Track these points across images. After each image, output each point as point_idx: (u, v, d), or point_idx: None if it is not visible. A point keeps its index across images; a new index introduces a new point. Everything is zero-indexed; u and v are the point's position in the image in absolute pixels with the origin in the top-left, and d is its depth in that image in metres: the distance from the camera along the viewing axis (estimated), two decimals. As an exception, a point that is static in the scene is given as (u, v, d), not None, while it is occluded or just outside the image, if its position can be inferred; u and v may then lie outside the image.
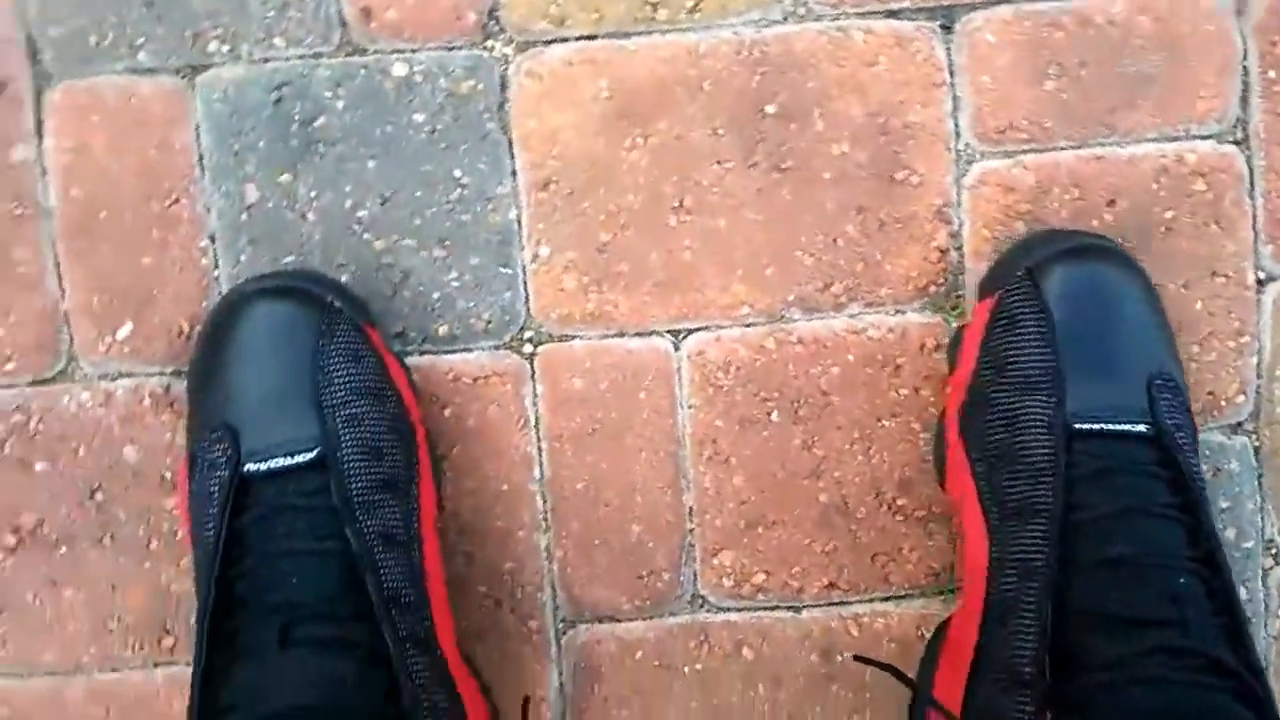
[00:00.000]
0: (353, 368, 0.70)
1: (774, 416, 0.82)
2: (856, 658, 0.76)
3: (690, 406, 0.81)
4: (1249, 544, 0.83)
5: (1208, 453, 0.82)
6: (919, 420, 0.81)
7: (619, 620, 0.83)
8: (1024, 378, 0.68)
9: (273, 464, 0.65)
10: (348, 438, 0.68)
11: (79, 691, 0.82)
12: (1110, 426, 0.65)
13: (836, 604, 0.83)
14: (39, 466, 0.80)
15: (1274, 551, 0.83)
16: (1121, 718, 0.57)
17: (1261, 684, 0.58)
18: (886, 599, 0.83)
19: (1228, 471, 0.82)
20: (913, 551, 0.82)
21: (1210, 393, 0.82)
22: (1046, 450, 0.65)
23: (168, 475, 0.81)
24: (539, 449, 0.82)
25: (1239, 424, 0.82)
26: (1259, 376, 0.82)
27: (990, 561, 0.71)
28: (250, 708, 0.60)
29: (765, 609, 0.83)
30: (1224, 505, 0.83)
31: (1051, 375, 0.67)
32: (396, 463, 0.72)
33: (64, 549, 0.81)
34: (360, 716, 0.62)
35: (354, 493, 0.68)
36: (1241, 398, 0.82)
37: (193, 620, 0.77)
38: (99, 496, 0.81)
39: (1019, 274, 0.70)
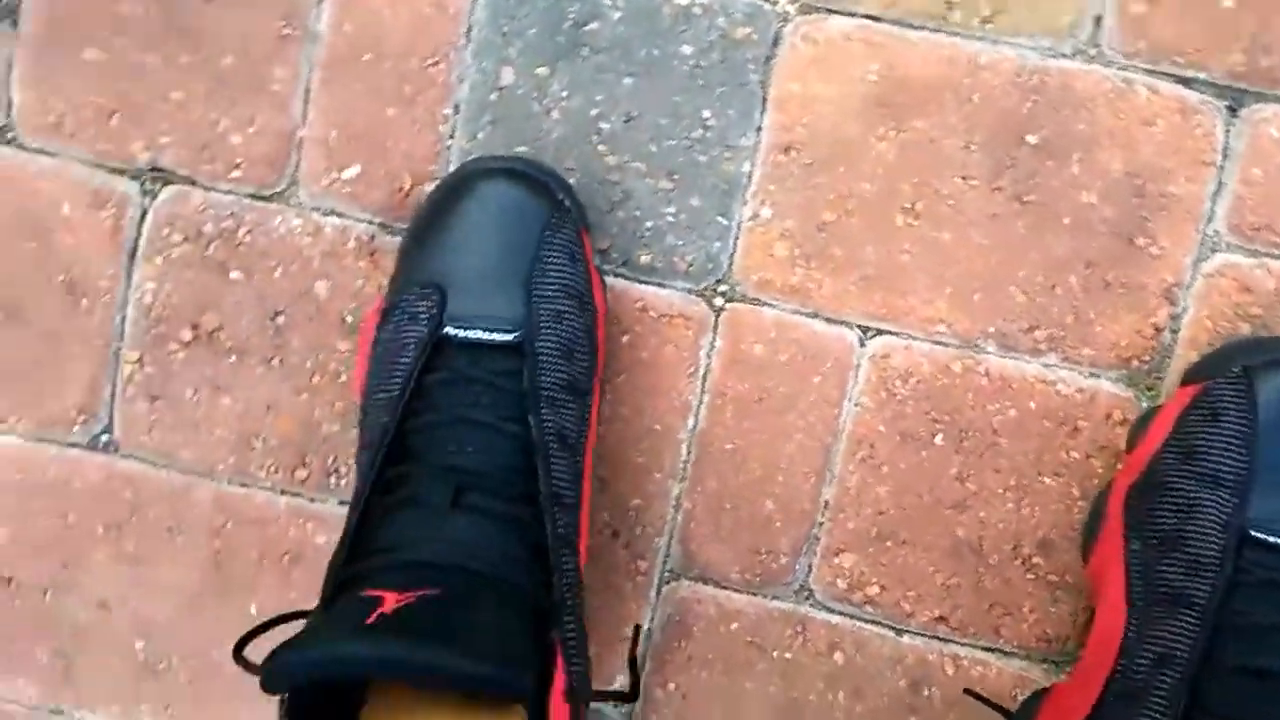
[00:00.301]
0: (567, 267, 0.68)
1: (938, 439, 0.78)
2: (968, 692, 0.73)
3: (858, 404, 0.78)
4: None
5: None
6: (1080, 488, 0.77)
7: (724, 587, 0.80)
8: (1211, 471, 0.64)
9: (472, 334, 0.65)
10: (548, 331, 0.66)
11: (205, 495, 0.82)
12: None
13: (940, 639, 0.79)
14: (234, 275, 0.80)
15: None
16: None
17: None
18: (991, 649, 0.79)
19: None
20: (1032, 612, 0.79)
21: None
22: (1215, 546, 0.62)
23: (349, 319, 0.80)
24: (700, 400, 0.79)
25: None
26: None
27: (1124, 641, 0.66)
28: (414, 551, 0.59)
29: (869, 621, 0.80)
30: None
31: (1241, 476, 0.63)
32: (582, 369, 0.70)
33: (233, 359, 0.81)
34: (523, 597, 0.59)
35: (543, 384, 0.65)
36: None
37: (337, 460, 0.77)
38: (280, 320, 0.80)
39: (1235, 370, 0.66)
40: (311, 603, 0.76)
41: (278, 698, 0.56)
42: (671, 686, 0.80)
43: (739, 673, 0.79)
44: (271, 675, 0.54)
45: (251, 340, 0.79)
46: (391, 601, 0.55)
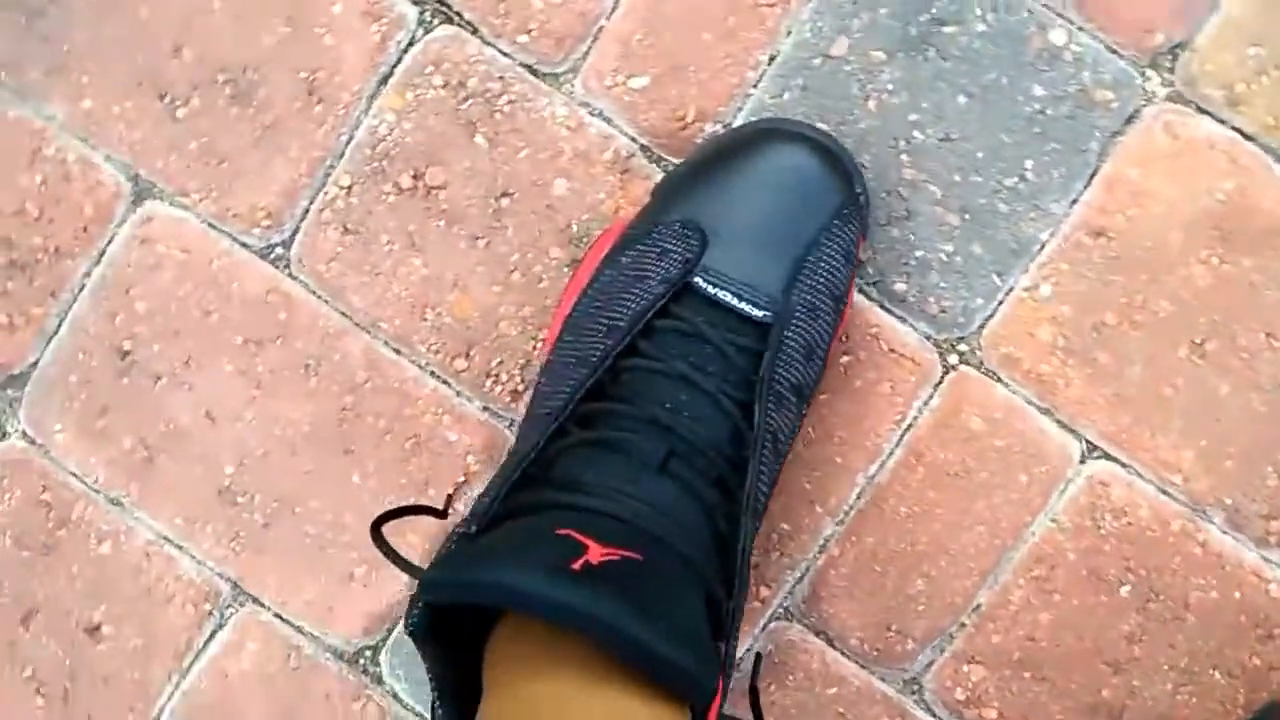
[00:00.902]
0: (840, 265, 0.58)
1: (1124, 590, 0.67)
2: None
3: (1055, 521, 0.67)
4: None
5: None
6: (1247, 696, 0.66)
7: (836, 647, 0.69)
8: None
9: (722, 295, 0.55)
10: (800, 325, 0.57)
11: (357, 348, 0.71)
12: None
13: None
14: (478, 140, 0.69)
15: None
16: None
17: None
18: None
19: None
20: None
21: None
22: None
23: (574, 229, 0.69)
24: (893, 450, 0.68)
25: None
26: None
27: None
28: (616, 503, 0.50)
29: None
30: None
31: None
32: (814, 375, 0.59)
33: (442, 222, 0.70)
34: (711, 594, 0.51)
35: (777, 377, 0.56)
36: None
37: (501, 366, 0.66)
38: (505, 202, 0.69)
39: None
40: (415, 497, 0.66)
41: (415, 600, 0.47)
42: None
43: None
44: (439, 586, 0.45)
45: (468, 211, 0.68)
46: (597, 553, 0.45)
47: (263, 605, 0.69)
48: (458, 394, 0.67)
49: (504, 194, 0.66)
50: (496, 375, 0.67)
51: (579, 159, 0.65)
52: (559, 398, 0.54)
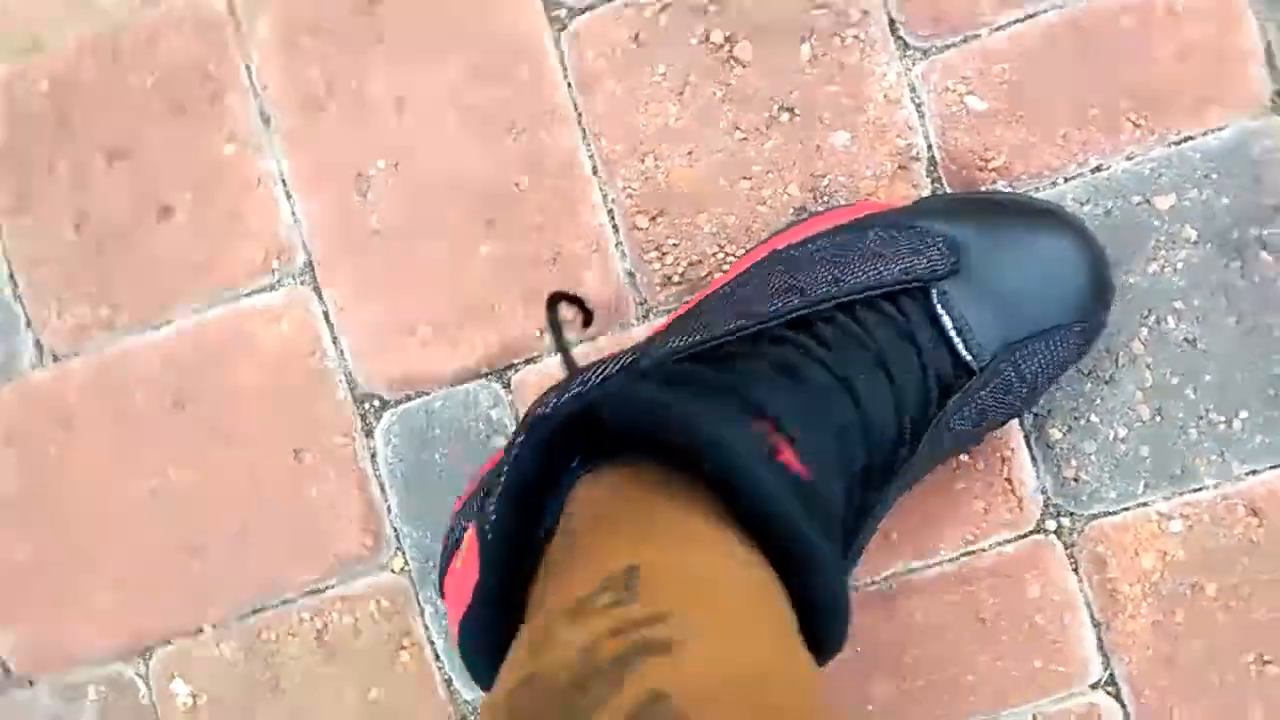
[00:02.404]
0: (1052, 366, 0.55)
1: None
2: None
3: (1034, 717, 0.61)
4: None
5: None
6: None
7: None
8: None
9: (945, 320, 0.52)
10: (994, 388, 0.53)
11: (567, 141, 0.63)
12: None
13: None
14: (804, 49, 0.62)
15: None
16: None
17: None
18: None
19: None
20: None
21: None
22: None
23: (825, 181, 0.62)
24: (942, 562, 0.62)
25: None
26: None
27: None
28: (785, 415, 0.46)
29: None
30: None
31: None
32: (967, 439, 0.56)
33: (720, 92, 0.63)
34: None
35: (950, 422, 0.51)
36: None
37: (673, 245, 0.59)
38: (785, 116, 0.63)
39: None
40: (519, 309, 0.62)
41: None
42: None
43: None
44: (635, 405, 0.41)
45: (750, 100, 0.63)
46: (792, 460, 0.43)
47: (320, 297, 0.62)
48: (618, 246, 0.59)
49: (789, 109, 0.59)
50: (665, 253, 0.60)
51: (873, 128, 0.58)
52: (763, 304, 0.50)
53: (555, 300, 0.48)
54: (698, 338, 0.48)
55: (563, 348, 0.47)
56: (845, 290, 0.50)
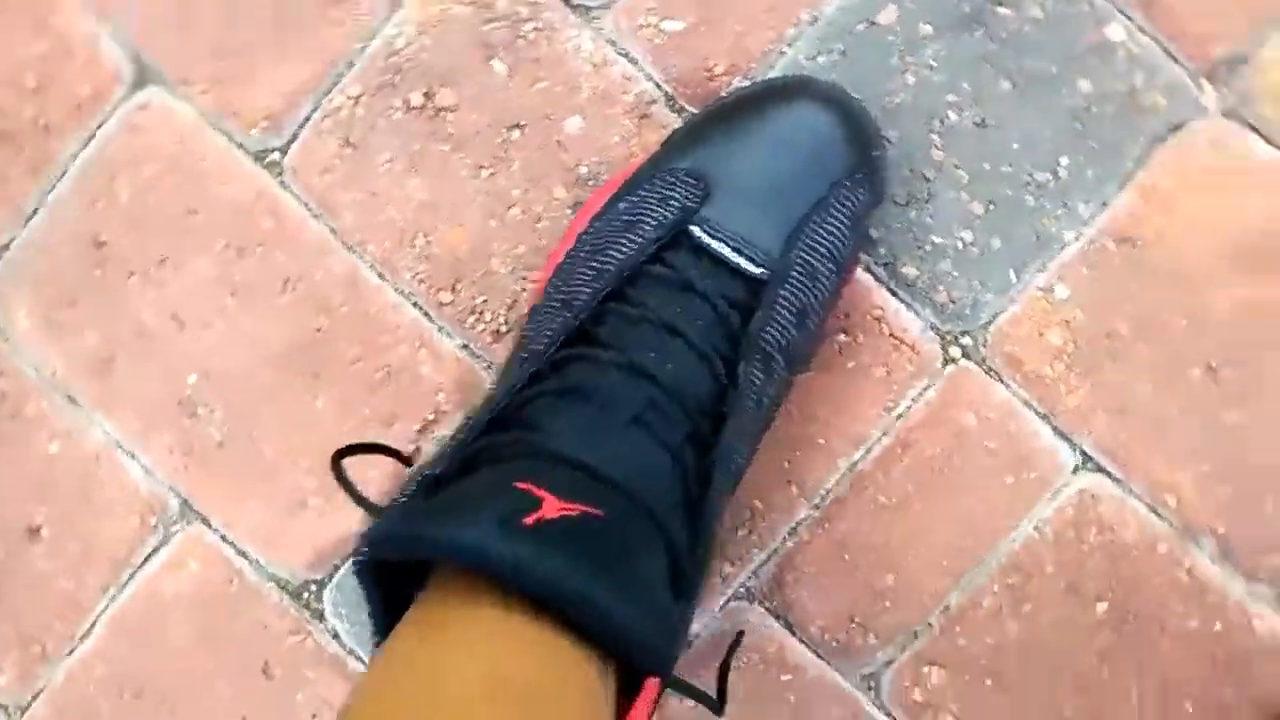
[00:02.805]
0: (845, 231, 0.51)
1: (1099, 608, 0.59)
2: None
3: (1037, 530, 0.59)
4: None
5: None
6: None
7: (796, 634, 0.61)
8: None
9: (717, 247, 0.49)
10: (796, 285, 0.50)
11: (339, 266, 0.62)
12: None
13: None
14: (496, 65, 0.60)
15: None
16: None
17: None
18: None
19: None
20: None
21: None
22: None
23: (583, 170, 0.60)
24: (879, 439, 0.60)
25: None
26: None
27: None
28: (583, 452, 0.43)
29: None
30: None
31: None
32: (806, 340, 0.52)
33: (446, 146, 0.61)
34: (674, 552, 0.43)
35: (767, 337, 0.49)
36: None
37: (486, 305, 0.58)
38: (514, 134, 0.60)
39: None
40: (380, 430, 0.58)
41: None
42: (690, 702, 0.60)
43: None
44: (385, 542, 0.39)
45: (475, 139, 0.59)
46: (554, 508, 0.38)
47: (209, 525, 0.60)
48: (439, 328, 0.58)
49: (515, 125, 0.57)
50: (480, 313, 0.58)
51: (598, 98, 0.56)
52: (541, 341, 0.47)
53: (339, 458, 0.46)
54: (483, 414, 0.45)
55: (360, 501, 0.45)
56: (608, 281, 0.48)
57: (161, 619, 0.62)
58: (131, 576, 0.62)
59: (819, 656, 0.59)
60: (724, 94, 0.55)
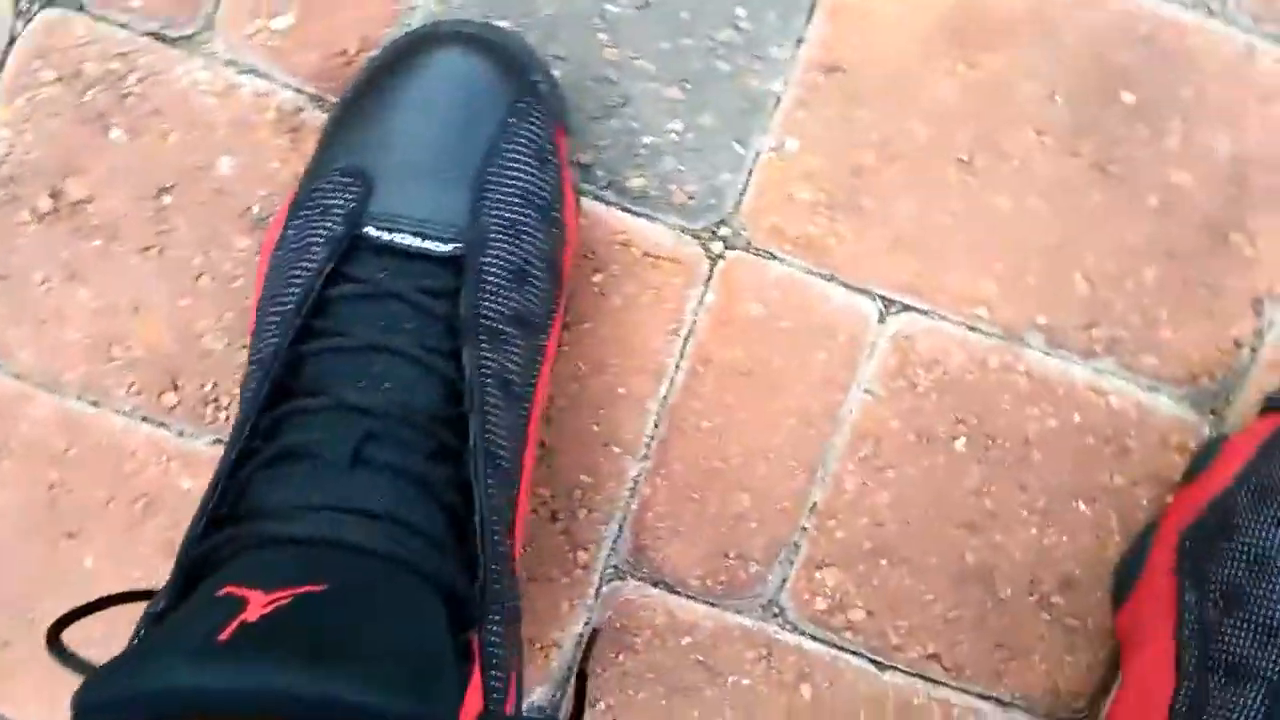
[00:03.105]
0: (533, 168, 0.46)
1: (958, 444, 0.54)
2: None
3: (868, 391, 0.54)
4: None
5: None
6: (1120, 519, 0.55)
7: (678, 593, 0.55)
8: None
9: (399, 238, 0.43)
10: (499, 244, 0.44)
11: (46, 411, 0.54)
12: None
13: (930, 679, 0.56)
14: (114, 134, 0.52)
15: None
16: None
17: None
18: (987, 697, 0.56)
19: None
20: (1043, 660, 0.55)
21: None
22: None
23: (256, 210, 0.53)
24: (677, 365, 0.54)
25: None
26: None
27: (1171, 715, 0.46)
28: (298, 524, 0.37)
29: (848, 651, 0.56)
30: None
31: None
32: (537, 300, 0.46)
33: (100, 240, 0.53)
34: (438, 586, 0.38)
35: (485, 311, 0.43)
36: None
37: (218, 389, 0.51)
38: (167, 199, 0.53)
39: None
40: (165, 563, 0.49)
41: None
42: (602, 706, 0.55)
43: (685, 697, 0.54)
44: (86, 713, 0.31)
45: (126, 220, 0.52)
46: (258, 606, 0.32)
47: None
48: (179, 434, 0.51)
49: (162, 190, 0.50)
50: (215, 400, 0.51)
51: (239, 127, 0.49)
52: (244, 411, 0.40)
53: (56, 631, 0.38)
54: (197, 518, 0.39)
55: (83, 670, 0.38)
56: (289, 323, 0.40)
57: None
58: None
59: (711, 605, 0.54)
60: (357, 73, 0.48)
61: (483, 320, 0.42)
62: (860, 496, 0.54)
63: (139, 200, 0.52)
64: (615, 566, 0.55)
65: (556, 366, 0.53)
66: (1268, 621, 0.44)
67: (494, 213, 0.43)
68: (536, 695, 0.56)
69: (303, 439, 0.39)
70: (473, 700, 0.38)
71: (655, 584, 0.55)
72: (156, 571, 0.54)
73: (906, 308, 0.53)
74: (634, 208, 0.53)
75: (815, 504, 0.54)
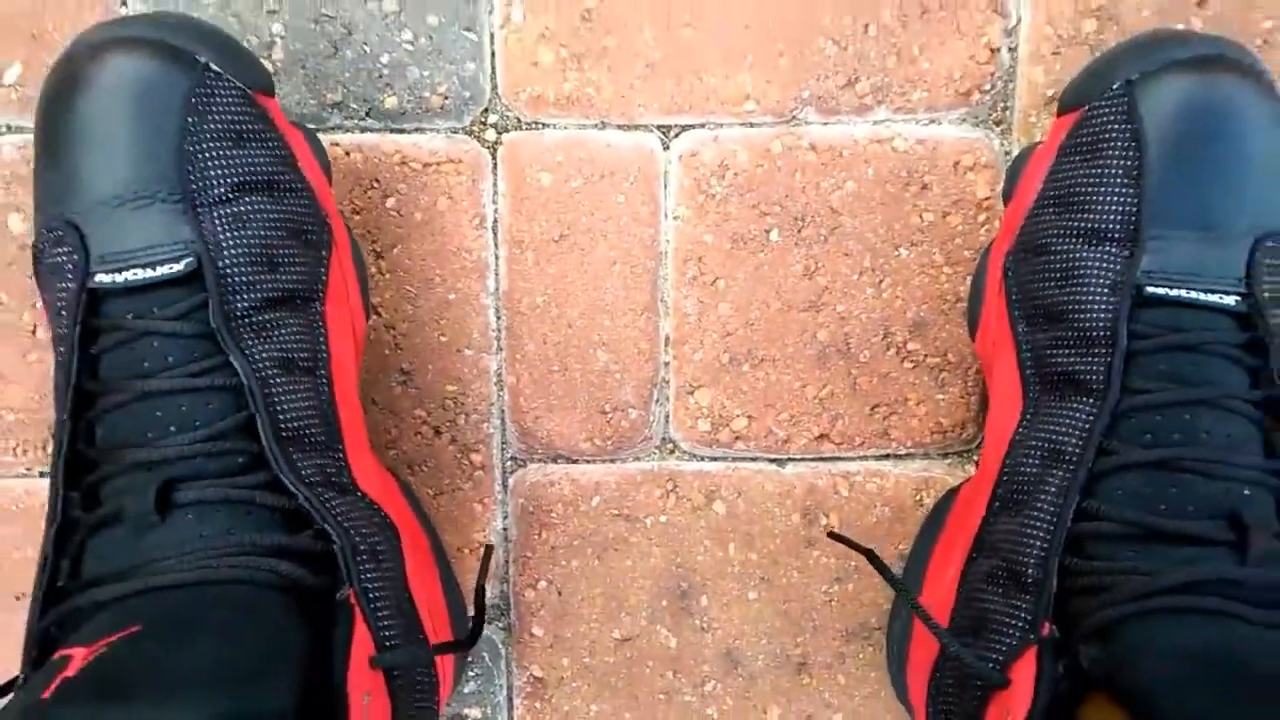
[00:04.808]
0: (235, 152, 0.44)
1: (773, 236, 0.56)
2: (832, 535, 0.52)
3: (676, 217, 0.56)
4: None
5: None
6: (942, 252, 0.56)
7: (575, 461, 0.58)
8: (1093, 221, 0.45)
9: (130, 276, 0.42)
10: (230, 242, 0.43)
11: None
12: (1192, 294, 0.42)
13: (826, 459, 0.58)
14: None
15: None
16: (1156, 657, 0.37)
17: None
18: (883, 457, 0.58)
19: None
20: (920, 404, 0.57)
21: None
22: (1106, 314, 0.43)
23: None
24: (495, 255, 0.56)
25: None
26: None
27: (1016, 435, 0.47)
28: (117, 584, 0.39)
29: (744, 460, 0.58)
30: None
31: (1129, 221, 0.44)
32: (297, 272, 0.46)
33: None
34: (264, 586, 0.40)
35: (240, 311, 0.43)
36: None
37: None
38: None
39: (1114, 87, 0.45)
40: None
41: None
42: (543, 585, 0.57)
43: (613, 551, 0.57)
44: None
45: None
46: (78, 660, 0.34)
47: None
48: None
49: (-35, 264, 0.51)
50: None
51: (14, 184, 0.50)
52: (51, 487, 0.41)
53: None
54: (34, 606, 0.41)
55: None
56: (64, 399, 0.42)
57: None
58: None
59: (609, 462, 0.56)
60: (37, 105, 0.48)
61: (240, 320, 0.42)
62: (703, 315, 0.56)
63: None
64: (512, 458, 0.57)
65: (390, 293, 0.55)
66: (1086, 333, 0.44)
67: (213, 213, 0.42)
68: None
69: (114, 505, 0.40)
70: (362, 645, 0.40)
71: (553, 460, 0.57)
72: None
73: (683, 128, 0.54)
74: (398, 126, 0.54)
75: (667, 336, 0.56)
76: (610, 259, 0.55)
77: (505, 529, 0.57)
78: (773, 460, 0.57)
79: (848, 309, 0.55)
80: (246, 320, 0.43)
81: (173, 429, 0.41)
